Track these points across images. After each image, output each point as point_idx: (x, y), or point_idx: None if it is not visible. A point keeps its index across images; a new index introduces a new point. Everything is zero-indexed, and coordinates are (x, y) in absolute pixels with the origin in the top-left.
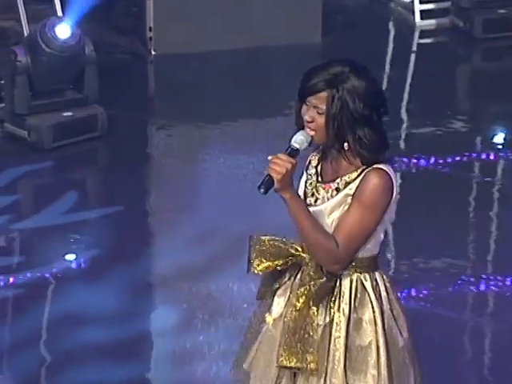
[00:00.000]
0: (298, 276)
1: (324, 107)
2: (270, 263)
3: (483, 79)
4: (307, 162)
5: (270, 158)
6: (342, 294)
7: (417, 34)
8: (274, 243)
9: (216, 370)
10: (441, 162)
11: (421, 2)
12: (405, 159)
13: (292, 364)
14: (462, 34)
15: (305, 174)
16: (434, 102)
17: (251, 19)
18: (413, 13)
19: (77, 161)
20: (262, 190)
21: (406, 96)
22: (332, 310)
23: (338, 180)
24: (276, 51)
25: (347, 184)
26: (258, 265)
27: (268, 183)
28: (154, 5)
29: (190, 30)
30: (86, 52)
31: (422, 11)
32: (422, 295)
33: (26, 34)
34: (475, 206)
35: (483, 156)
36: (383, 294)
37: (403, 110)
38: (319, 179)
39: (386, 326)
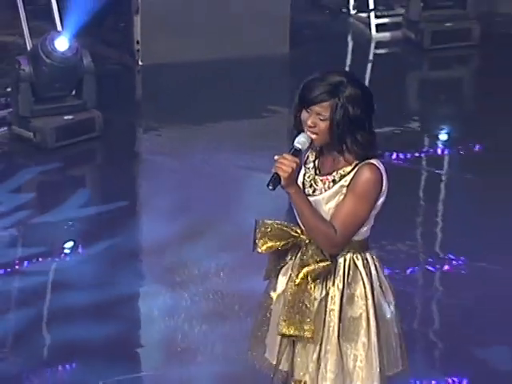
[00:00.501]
0: (298, 256)
1: (327, 114)
2: (273, 243)
3: (432, 85)
4: (305, 158)
5: (276, 157)
6: (336, 271)
7: (373, 46)
8: (276, 226)
9: (190, 328)
10: (400, 156)
11: (376, 17)
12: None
13: (291, 332)
14: (413, 45)
15: (303, 167)
16: (390, 105)
17: (229, 33)
18: (369, 27)
19: (78, 158)
20: (270, 187)
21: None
22: (328, 286)
23: (334, 173)
24: (251, 60)
25: (342, 177)
26: (263, 245)
27: (276, 181)
28: (140, 21)
29: (173, 43)
30: (85, 63)
31: (377, 25)
32: (390, 274)
33: (28, 48)
34: (428, 194)
35: (431, 151)
36: (373, 271)
37: None
38: (317, 172)
39: (375, 300)
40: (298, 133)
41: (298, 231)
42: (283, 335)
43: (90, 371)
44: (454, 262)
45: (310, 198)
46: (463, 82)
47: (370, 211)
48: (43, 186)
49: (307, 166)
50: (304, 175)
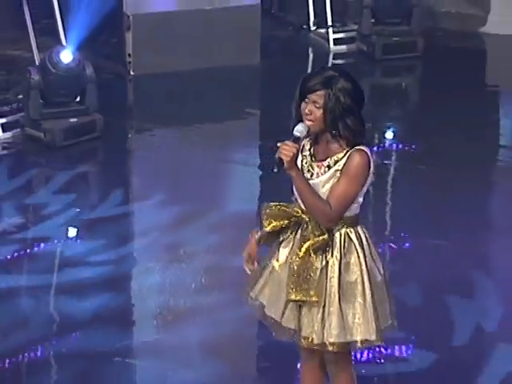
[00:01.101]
0: (299, 232)
1: (321, 102)
2: (277, 223)
3: (382, 90)
4: (301, 147)
5: (279, 144)
6: (334, 244)
7: (331, 57)
8: (280, 208)
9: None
10: None
11: (333, 32)
12: None
13: (298, 298)
14: (365, 56)
15: (300, 155)
16: None
17: (209, 46)
18: (327, 41)
19: (82, 155)
20: (275, 170)
21: None
22: (327, 257)
23: (328, 159)
24: (228, 70)
25: (336, 162)
26: (268, 224)
27: (279, 164)
28: (132, 37)
29: (160, 55)
30: (88, 73)
31: (334, 39)
32: None
33: (36, 60)
34: (378, 180)
35: (381, 146)
36: (364, 242)
37: None
38: (313, 159)
39: (368, 267)
40: (297, 123)
41: (299, 211)
42: (292, 301)
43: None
44: (404, 239)
45: (317, 180)
46: (409, 88)
47: (359, 191)
48: (59, 181)
49: (304, 153)
50: (301, 161)
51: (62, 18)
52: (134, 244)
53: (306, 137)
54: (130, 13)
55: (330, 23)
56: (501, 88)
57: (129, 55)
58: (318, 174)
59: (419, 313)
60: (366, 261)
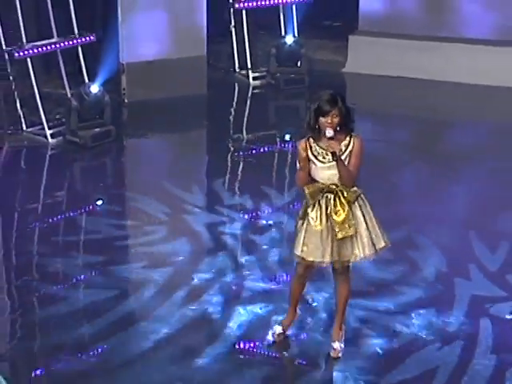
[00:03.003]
0: (332, 197)
1: (337, 112)
2: (315, 189)
3: (284, 109)
4: (307, 146)
5: (324, 145)
6: (356, 200)
7: (251, 88)
8: (317, 185)
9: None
10: (265, 148)
11: (252, 72)
12: (254, 150)
13: (345, 235)
14: (273, 87)
15: (309, 152)
16: (260, 120)
17: (175, 82)
18: (248, 78)
19: (104, 152)
20: (335, 159)
21: (245, 119)
22: (355, 208)
23: (339, 146)
24: (187, 96)
25: (346, 147)
26: (308, 189)
27: (334, 155)
28: (125, 77)
29: (145, 88)
30: (105, 99)
31: (253, 77)
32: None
33: (68, 94)
34: (281, 170)
35: (281, 146)
36: (363, 196)
37: (244, 126)
38: (324, 150)
39: (370, 208)
40: (316, 130)
41: (325, 185)
42: (339, 239)
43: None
44: None
45: (330, 165)
46: (300, 108)
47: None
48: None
49: (313, 149)
50: (314, 155)
51: (85, 65)
52: (136, 211)
53: (331, 138)
54: (124, 61)
55: (249, 66)
56: (356, 106)
57: (123, 89)
58: (329, 159)
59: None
60: (369, 206)
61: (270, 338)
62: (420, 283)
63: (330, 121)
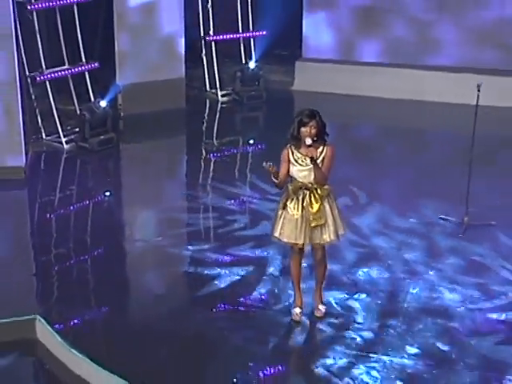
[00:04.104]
0: (308, 193)
1: (315, 125)
2: (294, 186)
3: (247, 119)
4: (289, 152)
5: (305, 153)
6: (327, 195)
7: (219, 104)
8: (297, 183)
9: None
10: (232, 150)
11: (220, 91)
12: (223, 152)
13: (317, 223)
14: (237, 102)
15: (291, 156)
16: (228, 129)
17: (161, 103)
18: (217, 95)
19: (108, 155)
20: (312, 162)
21: (215, 128)
22: (325, 202)
23: (316, 152)
24: (170, 110)
25: (320, 154)
26: (292, 186)
27: (311, 159)
28: (121, 95)
29: (138, 103)
30: (109, 113)
31: (221, 95)
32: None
33: (77, 111)
34: (244, 164)
35: (244, 149)
36: (331, 193)
37: (215, 133)
38: (303, 155)
39: (335, 202)
40: (297, 139)
41: (302, 183)
42: (314, 227)
43: None
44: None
45: (308, 167)
46: (260, 118)
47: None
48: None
49: (295, 154)
50: (295, 160)
51: (92, 87)
52: (134, 204)
53: (309, 145)
54: (120, 83)
55: (218, 86)
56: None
57: (120, 104)
58: (307, 163)
59: None
60: (335, 201)
61: (294, 319)
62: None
63: (308, 131)
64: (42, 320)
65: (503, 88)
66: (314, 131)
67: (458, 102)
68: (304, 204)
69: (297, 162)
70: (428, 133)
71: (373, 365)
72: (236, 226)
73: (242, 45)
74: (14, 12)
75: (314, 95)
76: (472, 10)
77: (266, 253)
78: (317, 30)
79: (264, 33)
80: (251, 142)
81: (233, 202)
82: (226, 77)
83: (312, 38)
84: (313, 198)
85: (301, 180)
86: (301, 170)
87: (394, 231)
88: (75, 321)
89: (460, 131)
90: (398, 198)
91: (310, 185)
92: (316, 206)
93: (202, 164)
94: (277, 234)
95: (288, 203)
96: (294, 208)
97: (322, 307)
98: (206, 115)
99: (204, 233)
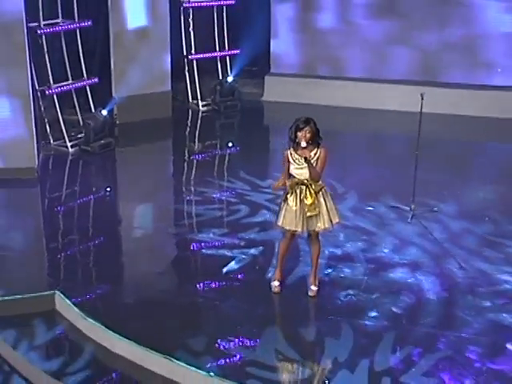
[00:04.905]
0: (304, 188)
1: (310, 130)
2: (294, 182)
3: (225, 125)
4: (288, 154)
5: (300, 153)
6: (320, 191)
7: (201, 112)
8: (294, 180)
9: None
10: (213, 152)
11: (201, 101)
12: (207, 152)
13: (313, 214)
14: (216, 111)
15: (290, 158)
16: (208, 133)
17: (151, 110)
18: (198, 106)
19: (107, 157)
20: (306, 163)
21: (197, 133)
22: (319, 196)
23: (310, 154)
24: (160, 118)
25: (315, 155)
26: (291, 182)
27: (306, 160)
28: (117, 106)
29: (131, 113)
30: (109, 120)
31: (202, 105)
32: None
33: (80, 121)
34: (222, 163)
35: (222, 151)
36: (325, 188)
37: (197, 138)
38: (299, 157)
39: (330, 196)
40: (295, 142)
41: (300, 180)
42: (309, 216)
43: None
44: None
45: (303, 166)
46: (235, 124)
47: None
48: (99, 168)
49: (293, 155)
50: (294, 160)
51: (92, 100)
52: (131, 200)
53: (305, 147)
54: (116, 96)
55: (199, 98)
56: (272, 125)
57: (115, 114)
58: (303, 163)
59: None
60: (329, 195)
61: (273, 290)
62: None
63: (304, 135)
64: (61, 294)
65: (443, 97)
66: (308, 135)
67: (404, 110)
68: (301, 197)
69: (295, 161)
70: (380, 135)
71: (341, 326)
72: (238, 215)
73: (219, 62)
74: (27, 36)
75: (281, 105)
76: (418, 33)
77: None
78: (282, 50)
79: (238, 51)
80: (230, 144)
81: (212, 194)
82: (205, 90)
83: (278, 56)
84: (308, 193)
85: (298, 177)
86: (298, 169)
87: (359, 215)
88: (89, 295)
89: (408, 134)
90: (361, 189)
91: (305, 181)
92: (310, 199)
93: (187, 163)
94: (280, 223)
95: (288, 196)
96: (293, 201)
97: (314, 288)
98: (189, 123)
99: (212, 220)
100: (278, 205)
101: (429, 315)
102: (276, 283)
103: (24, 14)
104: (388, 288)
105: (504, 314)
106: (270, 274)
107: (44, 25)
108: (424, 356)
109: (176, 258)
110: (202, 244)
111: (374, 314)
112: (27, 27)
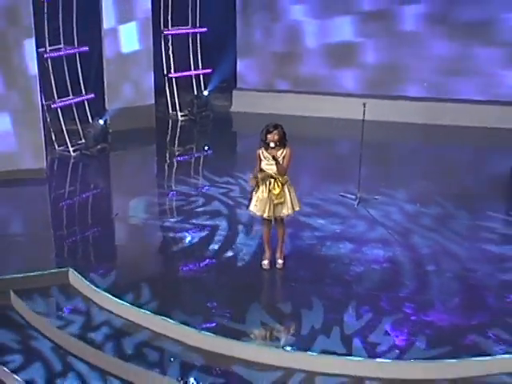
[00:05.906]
0: (272, 181)
1: (277, 133)
2: (263, 175)
3: (201, 132)
4: (260, 152)
5: (267, 155)
6: (286, 183)
7: (180, 121)
8: (263, 172)
9: None
10: (189, 156)
11: (180, 112)
12: (185, 155)
13: (278, 201)
14: (193, 121)
15: (261, 155)
16: (187, 139)
17: (138, 121)
18: (177, 116)
19: (104, 159)
20: (275, 162)
21: (176, 139)
22: (285, 188)
23: (277, 154)
24: (146, 127)
25: (282, 154)
26: (261, 175)
27: (276, 160)
28: (110, 120)
29: (122, 123)
30: (106, 129)
31: (181, 115)
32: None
33: (80, 131)
34: (208, 166)
35: (199, 154)
36: (289, 182)
37: (176, 143)
38: (269, 155)
39: (293, 188)
40: (265, 143)
41: (270, 173)
42: (276, 204)
43: None
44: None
45: (272, 163)
46: (208, 131)
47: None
48: (94, 169)
49: (264, 154)
50: (264, 158)
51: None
52: (125, 194)
53: (273, 148)
54: (109, 108)
55: (178, 109)
56: (239, 132)
57: (108, 123)
58: (271, 160)
59: None
60: (291, 186)
61: (264, 267)
62: None
63: (272, 137)
64: (74, 271)
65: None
66: (276, 137)
67: (348, 117)
68: (270, 188)
69: (265, 159)
70: (329, 140)
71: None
72: (194, 205)
73: (194, 79)
74: (37, 60)
75: (246, 115)
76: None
77: (217, 222)
78: (247, 69)
79: (210, 71)
80: (206, 148)
81: (192, 188)
82: (183, 103)
83: (243, 74)
84: (276, 184)
85: (268, 171)
86: (268, 165)
87: (314, 203)
88: (96, 271)
89: (353, 138)
90: (313, 182)
91: (274, 175)
92: (277, 190)
93: (168, 164)
94: (252, 209)
95: (260, 186)
96: (263, 191)
97: (280, 261)
98: (169, 131)
99: (173, 209)
100: (249, 194)
101: (373, 281)
102: (266, 262)
103: (34, 42)
104: (340, 260)
105: (435, 279)
106: (229, 254)
107: (49, 50)
108: (370, 313)
109: (157, 241)
110: (175, 228)
111: (329, 280)
112: (37, 52)
